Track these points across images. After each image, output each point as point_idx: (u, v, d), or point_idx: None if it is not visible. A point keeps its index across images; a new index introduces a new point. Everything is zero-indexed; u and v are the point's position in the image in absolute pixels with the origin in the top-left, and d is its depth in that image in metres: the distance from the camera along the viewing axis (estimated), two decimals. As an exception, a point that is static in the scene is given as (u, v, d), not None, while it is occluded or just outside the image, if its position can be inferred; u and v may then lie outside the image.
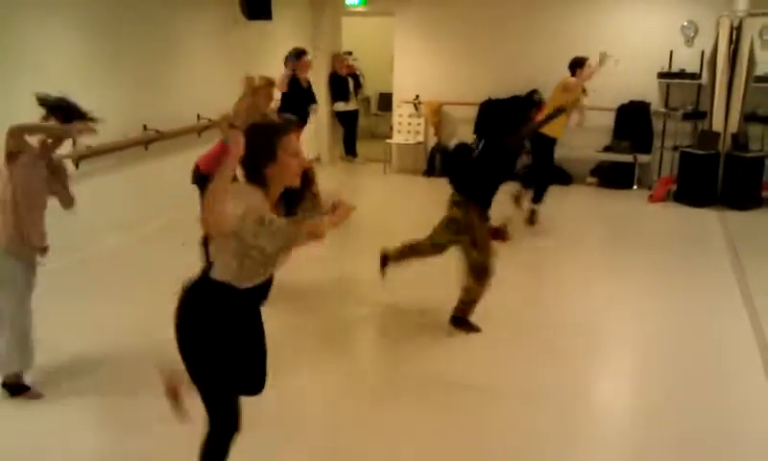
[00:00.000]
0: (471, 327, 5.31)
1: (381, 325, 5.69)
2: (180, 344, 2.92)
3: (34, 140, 4.04)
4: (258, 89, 5.94)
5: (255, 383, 3.23)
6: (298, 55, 7.81)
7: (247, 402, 3.05)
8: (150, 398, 3.56)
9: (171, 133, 7.56)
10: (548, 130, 7.19)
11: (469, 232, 5.14)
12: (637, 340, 5.43)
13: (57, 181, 4.20)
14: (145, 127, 7.33)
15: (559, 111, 6.51)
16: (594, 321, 5.66)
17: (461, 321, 5.32)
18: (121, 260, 6.67)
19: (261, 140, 2.88)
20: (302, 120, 7.69)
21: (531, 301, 6.09)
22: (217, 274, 2.89)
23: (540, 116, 6.16)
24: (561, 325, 5.54)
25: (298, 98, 7.68)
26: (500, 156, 5.24)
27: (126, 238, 7.07)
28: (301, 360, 4.87)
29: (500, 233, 5.41)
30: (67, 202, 4.27)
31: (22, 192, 4.00)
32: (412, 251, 5.51)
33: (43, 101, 4.06)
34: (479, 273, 5.15)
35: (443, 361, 4.94)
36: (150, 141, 7.37)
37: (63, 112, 4.05)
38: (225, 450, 3.05)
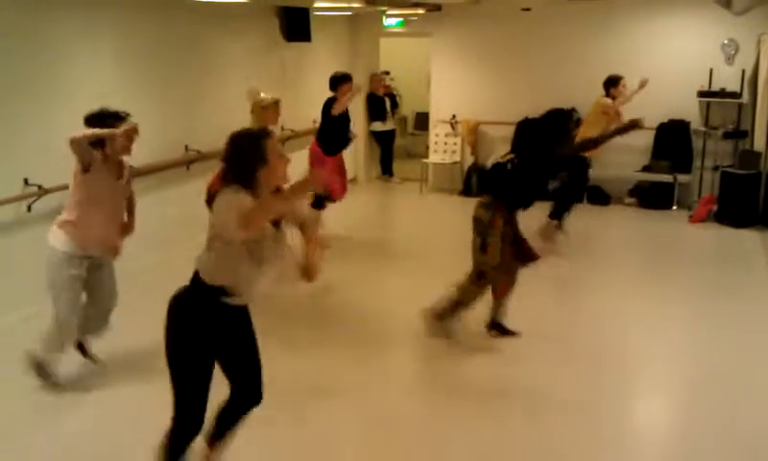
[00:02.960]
0: (444, 330, 5.33)
1: (416, 336, 5.72)
2: (166, 339, 3.12)
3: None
4: (267, 107, 6.38)
5: (250, 390, 3.33)
6: (342, 79, 7.73)
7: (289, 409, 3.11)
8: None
9: (212, 154, 7.69)
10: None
11: (486, 235, 5.15)
12: (678, 359, 5.39)
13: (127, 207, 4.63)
14: (186, 147, 7.49)
15: (594, 143, 6.41)
16: (635, 340, 5.64)
17: (439, 316, 5.33)
18: (163, 276, 6.77)
19: (251, 146, 3.05)
20: (343, 145, 7.82)
21: (572, 318, 6.07)
22: (205, 275, 3.06)
23: (577, 137, 6.16)
24: (601, 343, 5.53)
25: (334, 127, 7.69)
26: (535, 167, 5.24)
27: (168, 255, 7.19)
28: (338, 372, 4.92)
29: (531, 256, 5.39)
30: (128, 229, 4.69)
31: (88, 196, 4.35)
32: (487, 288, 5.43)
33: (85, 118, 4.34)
34: (477, 275, 5.18)
35: (478, 371, 5.00)
36: (191, 161, 7.52)
37: (95, 121, 4.29)
38: (182, 448, 3.21)
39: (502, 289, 5.36)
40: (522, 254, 5.32)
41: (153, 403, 3.49)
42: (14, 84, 5.72)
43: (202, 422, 3.21)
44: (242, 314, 3.26)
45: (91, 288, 4.62)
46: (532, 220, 5.75)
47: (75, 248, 4.41)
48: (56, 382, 4.62)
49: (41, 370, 4.58)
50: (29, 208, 5.80)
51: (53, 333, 4.52)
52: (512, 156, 5.35)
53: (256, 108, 6.43)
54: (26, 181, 5.77)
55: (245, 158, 3.03)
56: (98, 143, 4.28)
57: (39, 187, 5.78)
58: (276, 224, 3.21)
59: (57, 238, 4.42)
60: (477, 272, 5.21)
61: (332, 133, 7.67)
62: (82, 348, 4.87)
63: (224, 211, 2.93)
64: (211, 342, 3.14)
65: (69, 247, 4.40)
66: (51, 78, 6.03)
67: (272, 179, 3.08)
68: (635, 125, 5.84)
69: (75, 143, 4.18)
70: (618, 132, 6.04)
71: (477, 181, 10.87)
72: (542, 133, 5.27)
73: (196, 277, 3.12)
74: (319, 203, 7.79)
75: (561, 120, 5.36)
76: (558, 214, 7.88)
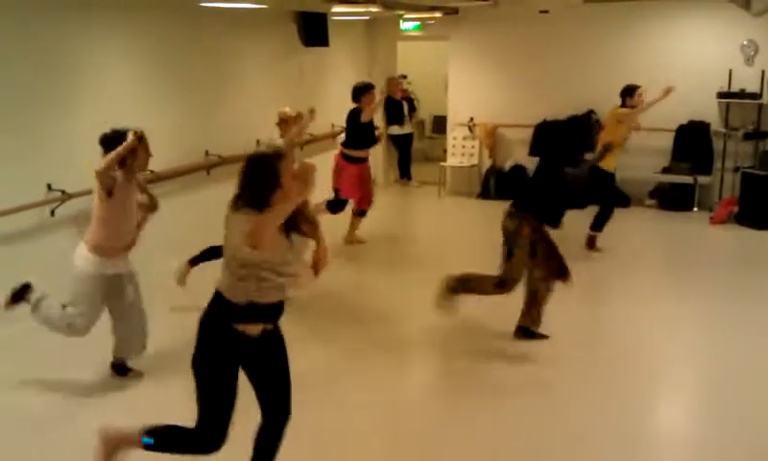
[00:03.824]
0: (538, 336, 5.37)
1: (439, 341, 5.74)
2: (195, 355, 3.16)
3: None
4: (289, 120, 6.58)
5: (277, 409, 3.32)
6: (364, 89, 7.87)
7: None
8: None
9: (232, 158, 7.75)
10: (603, 164, 7.18)
11: (513, 244, 5.15)
12: (702, 362, 5.37)
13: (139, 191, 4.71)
14: (207, 152, 7.55)
15: (606, 149, 6.41)
16: (657, 342, 5.63)
17: (527, 332, 5.39)
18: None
19: (265, 169, 3.01)
20: (371, 143, 8.00)
21: (594, 320, 6.06)
22: (231, 295, 3.06)
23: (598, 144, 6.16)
24: (623, 345, 5.53)
25: (363, 131, 7.80)
26: (560, 176, 5.24)
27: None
28: (365, 376, 4.97)
29: (564, 272, 5.39)
30: (151, 206, 4.81)
31: (114, 214, 4.47)
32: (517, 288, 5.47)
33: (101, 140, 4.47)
34: (501, 283, 5.23)
35: (500, 372, 5.03)
36: (212, 166, 7.58)
37: (112, 143, 4.39)
38: (188, 451, 3.24)
39: (540, 299, 5.36)
40: (557, 270, 5.32)
41: (171, 408, 3.51)
42: (38, 92, 5.80)
43: (222, 439, 3.19)
44: (270, 335, 3.24)
45: (121, 312, 4.72)
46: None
47: (103, 268, 4.52)
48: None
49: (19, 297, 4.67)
50: (52, 213, 5.87)
51: (56, 322, 4.60)
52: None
53: (280, 121, 6.68)
54: (49, 187, 5.85)
55: (259, 183, 3.02)
56: (120, 162, 4.41)
57: (63, 192, 5.86)
58: (287, 233, 3.20)
59: (84, 259, 4.51)
60: (500, 278, 5.23)
61: (360, 139, 7.84)
62: (120, 368, 4.90)
63: (236, 236, 2.97)
64: (235, 362, 3.17)
65: (97, 268, 4.51)
66: (73, 84, 6.12)
67: (286, 200, 3.04)
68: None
69: (103, 173, 4.32)
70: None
71: (495, 183, 10.87)
72: (566, 140, 5.26)
73: (219, 296, 3.14)
74: (336, 207, 7.87)
75: (584, 128, 5.37)
76: (599, 226, 7.87)
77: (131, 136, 4.37)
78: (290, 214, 3.05)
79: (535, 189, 5.33)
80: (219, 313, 3.12)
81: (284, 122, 6.63)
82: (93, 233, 4.52)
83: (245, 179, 3.08)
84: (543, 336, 5.41)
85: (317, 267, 3.30)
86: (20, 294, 4.67)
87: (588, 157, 5.82)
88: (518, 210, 5.24)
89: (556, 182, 5.24)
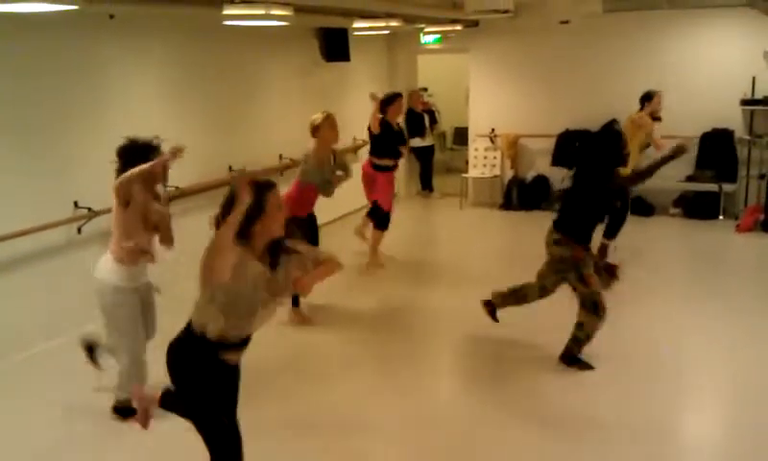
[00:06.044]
0: (584, 365, 5.25)
1: (467, 357, 5.73)
2: (177, 389, 3.24)
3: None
4: (319, 127, 6.23)
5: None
6: (390, 99, 7.91)
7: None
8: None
9: (254, 173, 7.81)
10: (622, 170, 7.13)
11: (576, 269, 5.13)
12: (728, 372, 5.32)
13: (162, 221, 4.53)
14: (230, 167, 7.63)
15: (642, 176, 6.23)
16: (684, 353, 5.60)
17: (573, 359, 5.28)
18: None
19: (252, 193, 2.99)
20: (395, 159, 7.95)
21: (618, 332, 5.98)
22: (202, 329, 3.07)
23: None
24: (648, 358, 5.49)
25: (390, 139, 7.84)
26: (598, 191, 5.20)
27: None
28: (393, 388, 4.98)
29: (612, 270, 5.36)
30: (167, 241, 4.57)
31: (141, 221, 4.36)
32: (516, 295, 5.51)
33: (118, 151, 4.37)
34: (593, 306, 5.12)
35: (524, 384, 5.01)
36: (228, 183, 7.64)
37: (133, 154, 4.29)
38: None
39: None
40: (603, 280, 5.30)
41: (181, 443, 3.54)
42: (66, 112, 5.92)
43: (239, 447, 3.26)
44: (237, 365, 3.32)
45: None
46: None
47: (128, 280, 4.42)
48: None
49: (128, 413, 4.46)
50: (79, 231, 5.96)
51: (125, 373, 4.48)
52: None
53: (312, 128, 6.34)
54: (76, 204, 5.94)
55: (247, 211, 2.99)
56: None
57: (89, 210, 5.95)
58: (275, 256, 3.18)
59: (110, 271, 4.39)
60: (589, 303, 5.13)
61: (382, 148, 7.82)
62: (92, 351, 4.71)
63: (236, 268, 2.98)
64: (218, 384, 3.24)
65: (124, 281, 4.40)
66: (99, 102, 6.22)
67: (266, 232, 3.06)
68: (682, 150, 5.57)
69: (125, 185, 4.21)
70: (666, 160, 5.66)
71: (518, 194, 10.85)
72: (601, 155, 5.21)
73: (193, 333, 3.17)
74: (382, 222, 7.86)
75: (617, 141, 5.30)
76: (612, 233, 7.83)
77: (167, 153, 4.24)
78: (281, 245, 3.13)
79: (575, 209, 5.26)
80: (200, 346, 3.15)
81: (317, 128, 6.25)
82: (116, 247, 4.38)
83: (227, 203, 3.04)
84: (589, 366, 5.29)
85: (305, 286, 3.27)
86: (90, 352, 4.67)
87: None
88: (561, 234, 5.18)
89: (597, 200, 5.20)
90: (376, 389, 5.10)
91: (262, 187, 3.07)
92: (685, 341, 5.81)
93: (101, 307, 4.44)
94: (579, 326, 5.20)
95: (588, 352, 5.30)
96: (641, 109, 7.76)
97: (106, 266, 4.40)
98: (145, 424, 3.65)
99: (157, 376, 3.61)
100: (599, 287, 5.14)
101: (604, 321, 5.14)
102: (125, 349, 4.45)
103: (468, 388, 5.24)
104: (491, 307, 5.63)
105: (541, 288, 5.38)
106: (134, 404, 3.73)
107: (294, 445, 4.34)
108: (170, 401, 3.52)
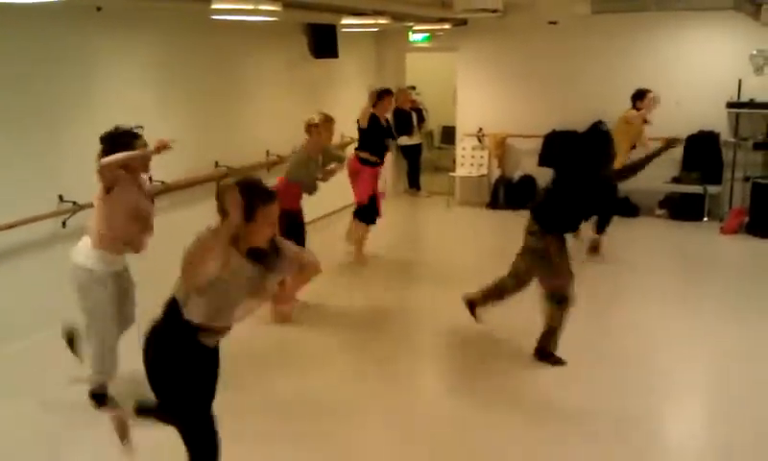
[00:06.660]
0: (556, 360, 5.29)
1: (452, 352, 5.74)
2: (152, 377, 3.19)
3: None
4: (316, 126, 6.30)
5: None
6: (381, 94, 7.94)
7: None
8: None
9: (241, 170, 7.79)
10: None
11: (548, 261, 5.14)
12: (710, 372, 5.37)
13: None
14: (216, 163, 7.60)
15: (633, 170, 6.24)
16: (669, 352, 5.62)
17: (545, 353, 5.32)
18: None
19: (245, 199, 2.99)
20: (382, 155, 8.00)
21: (603, 332, 6.03)
22: (189, 314, 3.09)
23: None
24: (632, 356, 5.52)
25: (377, 134, 7.84)
26: (584, 188, 5.22)
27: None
28: (368, 385, 4.98)
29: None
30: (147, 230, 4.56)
31: (124, 211, 4.35)
32: (496, 291, 5.52)
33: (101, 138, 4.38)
34: (559, 300, 5.16)
35: (510, 382, 5.05)
36: (222, 177, 7.60)
37: (115, 141, 4.31)
38: None
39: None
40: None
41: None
42: (50, 105, 5.87)
43: (217, 442, 3.25)
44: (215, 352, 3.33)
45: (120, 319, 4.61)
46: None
47: (103, 264, 4.40)
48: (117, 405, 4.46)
49: (102, 399, 4.53)
50: (64, 224, 5.92)
51: (96, 357, 4.49)
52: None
53: (308, 127, 6.41)
54: (61, 198, 5.90)
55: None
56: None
57: (74, 203, 5.90)
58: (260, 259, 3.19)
59: (86, 255, 4.39)
60: (556, 296, 5.17)
61: (368, 143, 7.85)
62: (72, 343, 4.72)
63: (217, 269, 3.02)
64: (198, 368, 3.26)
65: (99, 265, 4.39)
66: (84, 95, 6.18)
67: (252, 239, 3.08)
68: (674, 143, 5.62)
69: (106, 168, 4.21)
70: (659, 152, 5.68)
71: (504, 193, 10.89)
72: (588, 154, 5.23)
73: (176, 318, 3.19)
74: (362, 215, 7.87)
75: (605, 140, 5.33)
76: (601, 228, 7.88)
77: (158, 144, 4.33)
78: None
79: (555, 204, 5.26)
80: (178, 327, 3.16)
81: (314, 127, 6.34)
82: (94, 233, 4.39)
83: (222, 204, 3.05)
84: (561, 361, 5.33)
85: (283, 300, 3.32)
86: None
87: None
88: (539, 226, 5.20)
89: (579, 195, 5.22)
90: (360, 377, 5.14)
91: (258, 198, 3.07)
92: (670, 340, 5.84)
93: (75, 289, 4.45)
94: (547, 318, 5.25)
95: (574, 351, 5.34)
96: (633, 107, 7.79)
97: (83, 250, 4.43)
98: (123, 437, 3.60)
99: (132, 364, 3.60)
100: (569, 280, 5.16)
101: (567, 314, 5.19)
102: (94, 332, 4.46)
103: (453, 381, 5.29)
104: (472, 306, 5.65)
105: (515, 278, 5.37)
106: (110, 419, 3.67)
107: (274, 428, 4.38)
108: (145, 408, 3.50)
